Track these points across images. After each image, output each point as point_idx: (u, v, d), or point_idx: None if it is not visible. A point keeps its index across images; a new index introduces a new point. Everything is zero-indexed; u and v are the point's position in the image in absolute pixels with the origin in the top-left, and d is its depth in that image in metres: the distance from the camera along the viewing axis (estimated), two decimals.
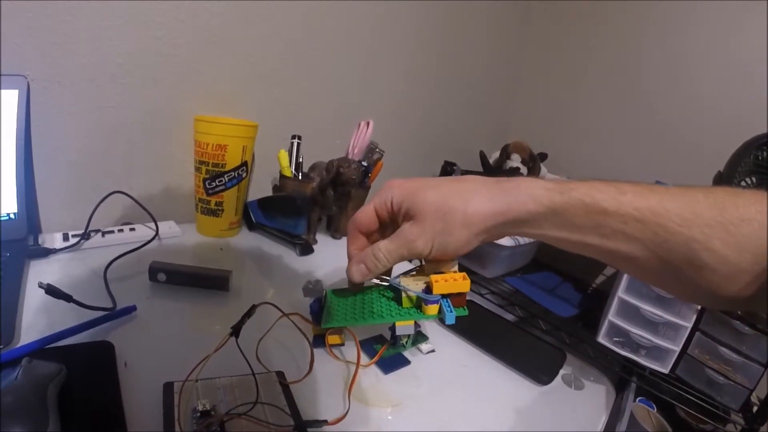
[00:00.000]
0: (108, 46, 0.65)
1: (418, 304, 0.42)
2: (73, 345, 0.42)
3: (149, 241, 0.65)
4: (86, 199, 0.66)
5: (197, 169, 0.71)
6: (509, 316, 0.70)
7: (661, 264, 0.31)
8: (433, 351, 0.54)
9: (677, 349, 0.59)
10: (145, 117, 0.72)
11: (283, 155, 0.80)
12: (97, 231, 0.65)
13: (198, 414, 0.34)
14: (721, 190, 0.30)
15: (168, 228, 0.72)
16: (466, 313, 0.42)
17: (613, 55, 1.09)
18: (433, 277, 0.40)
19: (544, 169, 1.02)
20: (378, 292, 0.45)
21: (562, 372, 0.57)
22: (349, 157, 0.80)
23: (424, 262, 0.42)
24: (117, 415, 0.34)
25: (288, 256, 0.74)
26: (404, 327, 0.44)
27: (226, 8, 0.73)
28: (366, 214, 0.41)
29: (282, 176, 0.81)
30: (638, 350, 0.62)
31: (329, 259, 0.74)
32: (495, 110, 1.32)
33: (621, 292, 0.62)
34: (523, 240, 0.79)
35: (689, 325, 0.58)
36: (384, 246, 0.38)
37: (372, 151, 0.81)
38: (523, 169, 0.95)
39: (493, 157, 1.00)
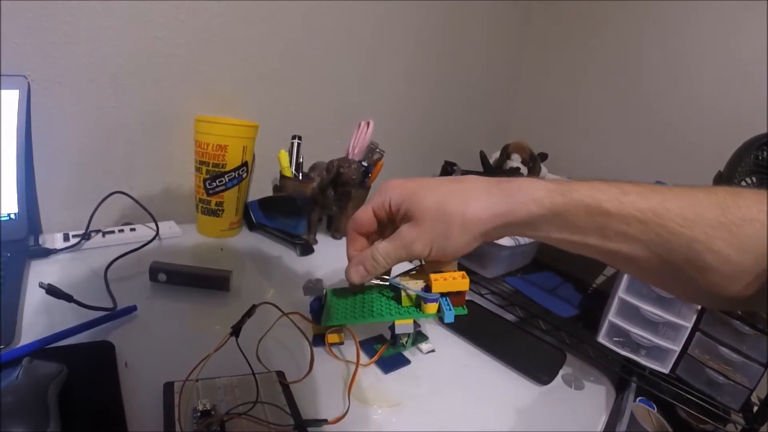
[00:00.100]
0: (108, 47, 0.65)
1: (418, 302, 0.42)
2: (73, 345, 0.42)
3: (150, 242, 0.65)
4: (87, 199, 0.66)
5: (198, 170, 0.72)
6: (509, 316, 0.70)
7: (661, 264, 0.31)
8: (433, 351, 0.54)
9: (677, 349, 0.59)
10: (146, 117, 0.72)
11: (284, 155, 0.80)
12: (97, 231, 0.65)
13: (198, 414, 0.34)
14: (722, 190, 0.30)
15: (168, 228, 0.72)
16: (465, 312, 0.42)
17: (613, 55, 1.09)
18: (432, 276, 0.40)
19: (544, 169, 1.02)
20: (378, 291, 0.45)
21: (562, 372, 0.57)
22: (350, 157, 0.80)
23: (424, 262, 0.42)
24: (117, 415, 0.35)
25: (288, 256, 0.74)
26: (404, 326, 0.44)
27: (226, 8, 0.74)
28: (364, 215, 0.41)
29: (282, 176, 0.81)
30: (638, 350, 0.62)
31: (329, 259, 0.75)
32: (495, 110, 1.32)
33: (621, 292, 0.62)
34: (523, 240, 0.79)
35: (689, 325, 0.58)
36: (383, 248, 0.38)
37: (372, 151, 0.81)
38: (524, 169, 0.95)
39: (494, 157, 1.00)
